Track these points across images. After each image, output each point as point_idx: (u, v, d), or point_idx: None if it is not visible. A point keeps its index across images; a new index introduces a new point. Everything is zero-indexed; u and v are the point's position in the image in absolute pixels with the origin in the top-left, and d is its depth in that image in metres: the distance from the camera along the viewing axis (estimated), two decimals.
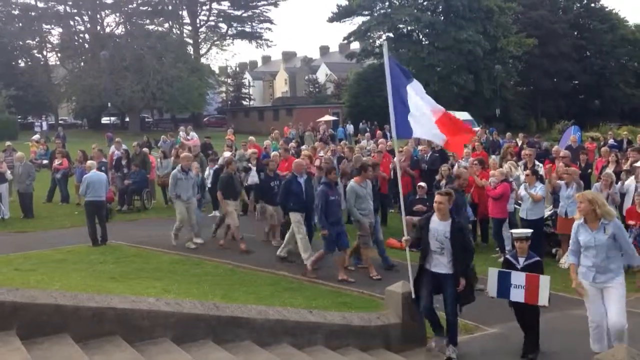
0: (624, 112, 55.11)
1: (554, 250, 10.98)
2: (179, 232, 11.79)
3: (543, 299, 6.34)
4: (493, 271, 6.74)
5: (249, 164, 14.23)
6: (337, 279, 9.42)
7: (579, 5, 60.43)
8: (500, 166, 12.48)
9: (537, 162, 13.10)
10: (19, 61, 55.91)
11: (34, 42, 54.70)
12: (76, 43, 54.16)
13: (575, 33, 58.95)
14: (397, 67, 8.15)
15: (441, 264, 6.56)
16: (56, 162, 17.22)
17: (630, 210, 10.17)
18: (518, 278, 6.48)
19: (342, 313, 6.91)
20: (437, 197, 6.67)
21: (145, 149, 18.19)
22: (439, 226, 6.59)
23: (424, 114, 7.50)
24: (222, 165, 13.10)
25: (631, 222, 9.79)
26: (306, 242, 10.08)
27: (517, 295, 6.49)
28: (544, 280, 6.36)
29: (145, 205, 16.30)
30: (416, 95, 7.60)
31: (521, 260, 6.67)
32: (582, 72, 57.38)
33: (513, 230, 7.21)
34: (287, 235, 10.56)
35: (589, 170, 14.02)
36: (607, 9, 59.23)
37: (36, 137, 28.70)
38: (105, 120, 60.21)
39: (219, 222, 12.23)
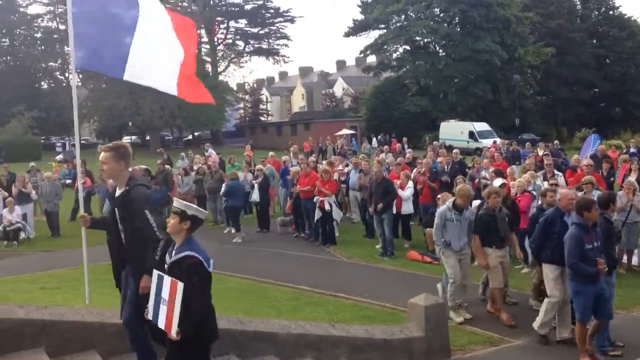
0: None
1: None
2: (457, 295, 8.11)
3: (174, 326, 3.93)
4: (155, 274, 4.22)
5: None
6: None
7: (597, 13, 60.05)
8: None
9: (557, 172, 13.00)
10: (42, 83, 57.11)
11: (56, 64, 55.84)
12: None
13: (594, 41, 58.58)
14: None
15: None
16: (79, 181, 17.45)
17: None
18: (166, 285, 4.05)
19: (364, 326, 6.89)
20: (101, 157, 4.85)
21: (167, 166, 18.42)
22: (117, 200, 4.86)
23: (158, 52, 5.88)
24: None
25: None
26: (553, 305, 7.17)
27: (162, 316, 4.05)
28: (180, 290, 3.92)
29: (167, 222, 16.42)
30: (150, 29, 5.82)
31: (173, 252, 4.24)
32: (603, 80, 56.85)
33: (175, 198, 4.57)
34: (544, 306, 7.34)
35: (612, 179, 13.85)
36: (625, 16, 58.77)
37: (59, 157, 29.17)
38: (126, 139, 61.03)
39: (486, 279, 8.78)
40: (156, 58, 5.96)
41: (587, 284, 6.44)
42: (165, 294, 3.99)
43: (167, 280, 4.01)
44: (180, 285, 3.87)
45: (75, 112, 5.88)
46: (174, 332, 3.87)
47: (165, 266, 4.19)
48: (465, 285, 8.34)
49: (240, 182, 14.86)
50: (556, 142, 26.08)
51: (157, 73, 6.00)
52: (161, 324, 4.01)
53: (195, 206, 4.36)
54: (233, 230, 14.54)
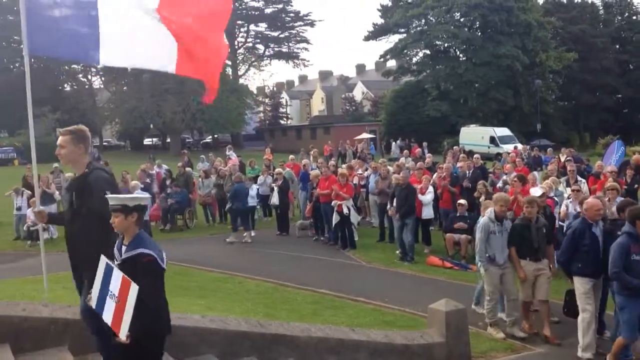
0: None
1: None
2: (495, 312, 7.94)
3: (124, 328, 3.58)
4: (103, 261, 3.94)
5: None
6: None
7: (620, 18, 59.36)
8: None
9: (580, 178, 12.84)
10: (65, 85, 57.93)
11: (79, 67, 56.60)
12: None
13: (617, 46, 57.89)
14: None
15: None
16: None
17: None
18: (116, 280, 3.74)
19: (384, 331, 6.86)
20: (59, 140, 4.62)
21: (188, 169, 18.56)
22: None
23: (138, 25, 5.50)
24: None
25: None
26: (589, 322, 6.84)
27: (109, 311, 3.74)
28: (133, 293, 3.57)
29: (188, 225, 16.58)
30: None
31: (124, 248, 3.93)
32: (626, 86, 56.12)
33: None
34: (579, 327, 6.96)
35: (636, 186, 13.63)
36: None
37: None
38: (147, 141, 61.69)
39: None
40: (133, 35, 5.63)
41: (633, 297, 6.14)
42: (114, 289, 3.68)
43: (118, 275, 3.68)
44: (134, 287, 3.53)
45: (29, 104, 5.82)
46: (123, 335, 3.54)
47: (116, 262, 3.88)
48: (516, 300, 7.90)
49: (246, 185, 14.99)
50: (570, 149, 24.95)
51: (140, 51, 5.71)
52: (107, 318, 3.71)
53: (131, 195, 4.07)
54: (249, 231, 14.61)
